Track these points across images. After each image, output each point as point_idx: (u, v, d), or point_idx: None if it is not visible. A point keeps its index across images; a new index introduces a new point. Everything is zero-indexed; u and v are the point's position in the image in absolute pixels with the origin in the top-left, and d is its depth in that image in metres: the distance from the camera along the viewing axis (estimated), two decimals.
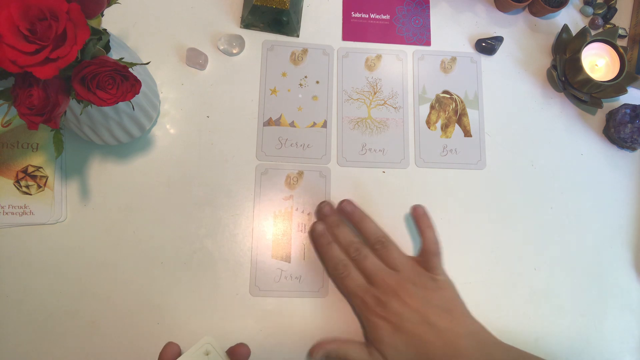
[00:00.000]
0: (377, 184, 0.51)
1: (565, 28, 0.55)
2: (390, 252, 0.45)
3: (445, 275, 0.46)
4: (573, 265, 0.51)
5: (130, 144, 0.48)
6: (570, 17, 0.58)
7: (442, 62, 0.55)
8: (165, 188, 0.48)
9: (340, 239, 0.46)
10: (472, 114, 0.54)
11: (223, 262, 0.47)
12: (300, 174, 0.50)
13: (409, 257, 0.46)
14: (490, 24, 0.57)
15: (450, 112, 0.54)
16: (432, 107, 0.53)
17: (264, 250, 0.48)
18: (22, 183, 0.46)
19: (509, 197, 0.52)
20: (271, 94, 0.52)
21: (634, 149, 0.55)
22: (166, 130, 0.50)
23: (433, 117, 0.53)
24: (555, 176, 0.53)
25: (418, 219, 0.47)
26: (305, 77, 0.53)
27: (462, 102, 0.54)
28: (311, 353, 0.44)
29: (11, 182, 0.46)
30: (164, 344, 0.40)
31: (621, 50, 0.53)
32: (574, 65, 0.53)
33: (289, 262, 0.48)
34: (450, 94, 0.54)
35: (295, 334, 0.46)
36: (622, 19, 0.59)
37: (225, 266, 0.47)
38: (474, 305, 0.48)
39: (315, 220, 0.48)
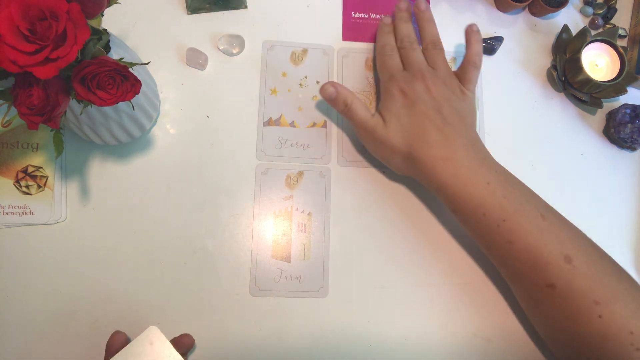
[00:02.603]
0: (378, 184, 0.50)
1: (565, 28, 0.55)
2: (437, 56, 0.48)
3: (474, 94, 0.48)
4: None
5: (130, 144, 0.48)
6: (570, 17, 0.58)
7: None
8: (165, 188, 0.48)
9: (402, 29, 0.49)
10: None
11: (223, 262, 0.47)
12: (301, 174, 0.50)
13: (451, 69, 0.49)
14: (490, 24, 0.57)
15: None
16: None
17: (264, 250, 0.48)
18: (22, 183, 0.46)
19: None
20: (271, 94, 0.52)
21: (634, 149, 0.55)
22: (166, 130, 0.50)
23: None
24: (555, 176, 0.53)
25: (470, 33, 0.49)
26: (306, 77, 0.53)
27: None
28: (323, 88, 0.46)
29: (11, 182, 0.46)
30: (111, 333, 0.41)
31: (621, 50, 0.53)
32: (574, 65, 0.53)
33: (289, 262, 0.48)
34: None
35: (295, 334, 0.46)
36: (622, 19, 0.59)
37: (225, 266, 0.47)
38: (475, 305, 0.48)
39: None
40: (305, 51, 0.53)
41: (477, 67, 0.48)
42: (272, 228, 0.48)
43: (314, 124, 0.52)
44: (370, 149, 0.48)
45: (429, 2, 0.50)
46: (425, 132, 0.43)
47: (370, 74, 0.54)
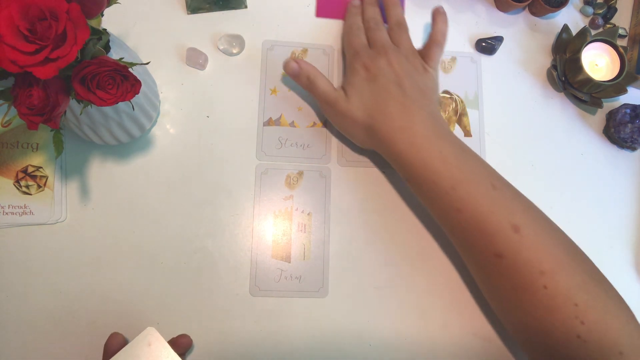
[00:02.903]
0: (378, 184, 0.50)
1: (565, 28, 0.55)
2: (401, 35, 0.49)
3: (436, 71, 0.49)
4: None
5: (130, 144, 0.48)
6: (570, 17, 0.58)
7: (442, 62, 0.55)
8: (165, 188, 0.48)
9: (369, 12, 0.51)
10: (472, 114, 0.54)
11: (223, 262, 0.47)
12: (300, 174, 0.50)
13: (414, 47, 0.50)
14: (490, 24, 0.57)
15: (450, 112, 0.54)
16: None
17: (264, 250, 0.48)
18: (22, 183, 0.46)
19: None
20: (271, 94, 0.52)
21: (634, 149, 0.55)
22: (166, 130, 0.50)
23: None
24: (555, 176, 0.53)
25: (436, 13, 0.51)
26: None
27: (462, 102, 0.54)
28: (285, 64, 0.48)
29: (11, 182, 0.46)
30: (109, 334, 0.41)
31: (621, 50, 0.53)
32: (574, 65, 0.53)
33: (289, 262, 0.48)
34: (450, 94, 0.54)
35: (295, 334, 0.46)
36: (622, 19, 0.59)
37: (225, 266, 0.47)
38: (475, 305, 0.48)
39: None
40: (305, 51, 0.53)
41: (440, 45, 0.49)
42: (272, 228, 0.48)
43: (314, 124, 0.52)
44: (333, 122, 0.49)
45: None
46: (385, 104, 0.44)
47: None
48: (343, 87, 0.47)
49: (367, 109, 0.45)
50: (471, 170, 0.42)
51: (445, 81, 0.54)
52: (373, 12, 0.51)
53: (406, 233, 0.49)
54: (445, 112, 0.53)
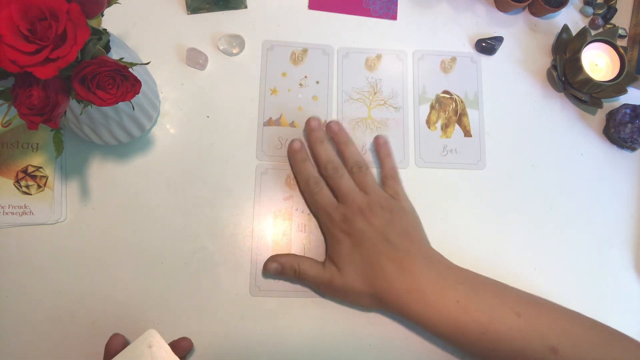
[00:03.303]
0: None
1: (565, 28, 0.55)
2: (365, 177, 0.46)
3: (409, 202, 0.47)
4: (573, 266, 0.51)
5: (130, 144, 0.48)
6: (570, 17, 0.58)
7: (442, 62, 0.55)
8: (165, 188, 0.48)
9: (322, 155, 0.47)
10: (472, 114, 0.54)
11: (223, 262, 0.47)
12: None
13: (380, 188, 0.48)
14: (490, 24, 0.57)
15: (450, 112, 0.54)
16: (432, 107, 0.53)
17: (264, 250, 0.48)
18: (22, 183, 0.46)
19: (509, 198, 0.52)
20: (271, 94, 0.52)
21: (634, 149, 0.55)
22: (166, 130, 0.50)
23: (433, 117, 0.53)
24: (555, 176, 0.53)
25: (378, 148, 0.49)
26: (305, 77, 0.53)
27: (462, 102, 0.54)
28: (265, 267, 0.45)
29: (11, 182, 0.46)
30: (110, 335, 0.41)
31: (621, 50, 0.53)
32: (574, 65, 0.53)
33: None
34: (450, 94, 0.54)
35: (295, 334, 0.46)
36: (622, 19, 0.59)
37: (225, 266, 0.47)
38: None
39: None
40: (305, 51, 0.53)
41: (396, 178, 0.48)
42: (272, 228, 0.48)
43: None
44: (334, 297, 0.46)
45: (339, 123, 0.49)
46: (381, 269, 0.42)
47: (370, 74, 0.54)
48: (331, 259, 0.45)
49: (364, 279, 0.43)
50: (491, 306, 0.41)
51: (445, 81, 0.54)
52: (327, 153, 0.47)
53: None
54: (445, 112, 0.53)
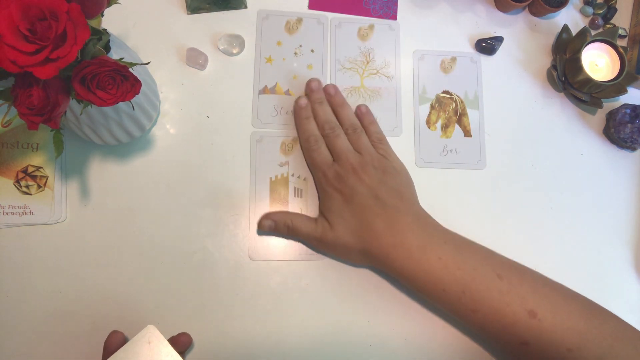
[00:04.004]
0: None
1: (565, 28, 0.55)
2: (360, 138, 0.48)
3: (401, 162, 0.49)
4: (573, 265, 0.51)
5: (130, 144, 0.48)
6: (570, 17, 0.58)
7: (442, 62, 0.55)
8: (165, 188, 0.48)
9: (320, 115, 0.49)
10: (472, 114, 0.54)
11: (223, 262, 0.47)
12: (296, 140, 0.50)
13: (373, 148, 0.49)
14: (490, 24, 0.57)
15: (450, 112, 0.54)
16: (432, 107, 0.53)
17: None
18: (22, 183, 0.46)
19: (509, 197, 0.52)
20: (266, 62, 0.52)
21: (634, 149, 0.55)
22: (166, 130, 0.50)
23: (433, 117, 0.53)
24: (555, 176, 0.53)
25: (361, 116, 0.50)
26: (300, 46, 0.53)
27: (462, 102, 0.54)
28: (259, 224, 0.46)
29: (11, 182, 0.46)
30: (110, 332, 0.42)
31: (621, 50, 0.53)
32: (574, 65, 0.53)
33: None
34: (450, 94, 0.54)
35: (295, 334, 0.46)
36: (622, 19, 0.59)
37: (225, 266, 0.47)
38: None
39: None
40: (299, 20, 0.54)
41: (385, 141, 0.49)
42: (268, 196, 0.48)
43: None
44: (325, 252, 0.48)
45: (336, 86, 0.51)
46: (370, 224, 0.44)
47: (363, 44, 0.54)
48: (323, 214, 0.46)
49: (354, 232, 0.44)
50: (473, 266, 0.42)
51: (445, 81, 0.54)
52: (325, 113, 0.49)
53: None
54: (445, 112, 0.53)
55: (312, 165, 0.49)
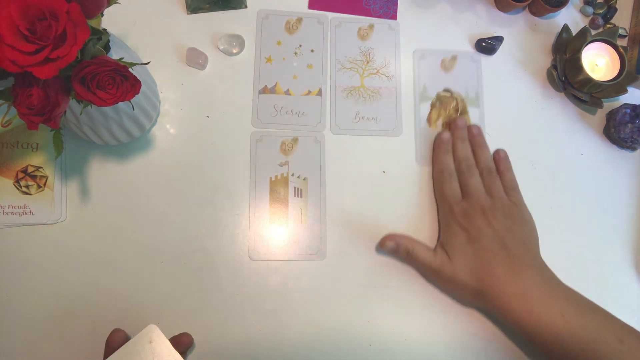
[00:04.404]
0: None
1: (566, 28, 0.55)
2: (494, 182, 0.48)
3: (530, 214, 0.48)
4: (573, 266, 0.51)
5: (130, 144, 0.48)
6: (570, 17, 0.58)
7: (443, 60, 0.55)
8: (165, 188, 0.48)
9: (460, 151, 0.50)
10: (472, 112, 0.54)
11: (223, 262, 0.47)
12: (295, 140, 0.50)
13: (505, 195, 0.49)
14: (490, 24, 0.57)
15: (451, 111, 0.54)
16: (432, 106, 0.54)
17: (262, 220, 0.48)
18: (22, 183, 0.46)
19: None
20: (266, 62, 0.52)
21: (634, 149, 0.55)
22: (166, 130, 0.50)
23: (434, 115, 0.53)
24: (555, 176, 0.53)
25: (499, 161, 0.51)
26: (300, 45, 0.53)
27: (462, 100, 0.54)
28: (382, 243, 0.47)
29: (11, 182, 0.46)
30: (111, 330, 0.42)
31: (621, 50, 0.53)
32: (574, 65, 0.53)
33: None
34: (451, 92, 0.54)
35: (295, 334, 0.46)
36: (622, 19, 0.59)
37: (225, 266, 0.47)
38: None
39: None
40: (299, 20, 0.54)
41: (518, 190, 0.49)
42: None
43: (309, 92, 0.52)
44: (438, 285, 0.48)
45: (480, 129, 0.52)
46: (492, 268, 0.44)
47: (363, 43, 0.54)
48: (443, 247, 0.46)
49: (473, 273, 0.44)
50: (596, 328, 0.41)
51: (446, 80, 0.54)
52: (465, 150, 0.50)
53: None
54: (446, 110, 0.54)
55: (440, 197, 0.49)
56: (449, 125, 0.52)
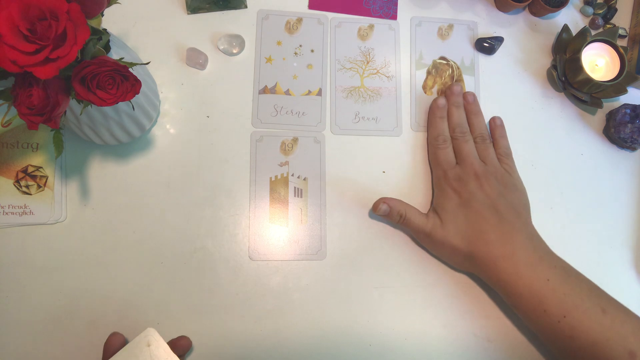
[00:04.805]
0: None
1: (566, 28, 0.55)
2: (487, 149, 0.49)
3: (522, 182, 0.49)
4: (573, 266, 0.51)
5: (130, 144, 0.48)
6: (570, 17, 0.58)
7: (440, 28, 0.56)
8: (165, 188, 0.48)
9: (455, 118, 0.50)
10: (467, 80, 0.54)
11: (223, 262, 0.47)
12: (295, 140, 0.50)
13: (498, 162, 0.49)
14: (490, 24, 0.57)
15: (447, 78, 0.54)
16: (428, 73, 0.54)
17: (262, 219, 0.48)
18: (22, 183, 0.46)
19: None
20: (266, 62, 0.52)
21: (634, 149, 0.55)
22: (166, 130, 0.50)
23: (429, 83, 0.54)
24: (555, 176, 0.53)
25: (494, 128, 0.52)
26: (300, 46, 0.53)
27: (458, 68, 0.55)
28: (375, 207, 0.47)
29: (11, 182, 0.46)
30: (110, 334, 0.42)
31: (621, 50, 0.53)
32: (574, 65, 0.53)
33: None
34: (447, 60, 0.55)
35: (295, 334, 0.46)
36: (622, 19, 0.59)
37: (225, 266, 0.47)
38: (475, 305, 0.48)
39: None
40: (299, 20, 0.54)
41: (511, 157, 0.50)
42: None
43: (309, 92, 0.52)
44: (429, 248, 0.48)
45: (475, 96, 0.52)
46: (483, 232, 0.44)
47: (363, 44, 0.54)
48: (435, 211, 0.47)
49: (464, 236, 0.45)
50: (580, 295, 0.42)
51: (442, 48, 0.55)
52: (460, 117, 0.50)
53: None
54: (441, 77, 0.54)
55: (434, 162, 0.49)
56: (445, 91, 0.52)
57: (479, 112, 0.51)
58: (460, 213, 0.45)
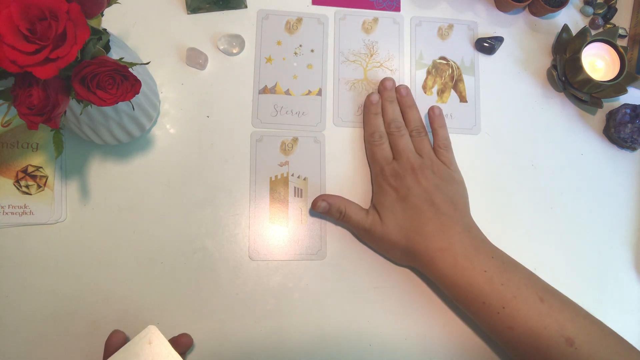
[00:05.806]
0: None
1: (566, 28, 0.55)
2: (423, 142, 0.49)
3: (460, 173, 0.49)
4: (573, 266, 0.51)
5: (130, 144, 0.48)
6: (570, 17, 0.58)
7: (440, 28, 0.56)
8: (165, 188, 0.48)
9: (389, 113, 0.50)
10: (467, 80, 0.54)
11: (223, 262, 0.47)
12: (295, 140, 0.50)
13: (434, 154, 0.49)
14: (490, 24, 0.57)
15: (447, 78, 0.54)
16: (428, 73, 0.54)
17: (262, 219, 0.48)
18: (22, 183, 0.46)
19: (509, 197, 0.52)
20: (266, 62, 0.52)
21: (634, 149, 0.55)
22: (166, 130, 0.50)
23: (429, 82, 0.54)
24: (555, 176, 0.53)
25: (433, 118, 0.50)
26: (300, 45, 0.53)
27: (458, 68, 0.55)
28: (314, 204, 0.47)
29: (11, 182, 0.46)
30: (111, 332, 0.42)
31: (621, 50, 0.53)
32: (574, 65, 0.53)
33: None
34: (447, 60, 0.55)
35: (295, 334, 0.46)
36: (622, 19, 0.59)
37: (225, 266, 0.47)
38: None
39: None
40: (299, 20, 0.54)
41: (449, 149, 0.49)
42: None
43: (309, 92, 0.52)
44: (370, 244, 0.48)
45: (408, 88, 0.51)
46: (420, 225, 0.44)
47: (367, 37, 0.54)
48: (375, 207, 0.47)
49: (402, 231, 0.45)
50: (517, 285, 0.42)
51: (442, 48, 0.55)
52: (394, 112, 0.50)
53: None
54: (441, 77, 0.54)
55: (371, 159, 0.49)
56: (378, 87, 0.52)
57: (413, 105, 0.51)
58: (398, 208, 0.45)
